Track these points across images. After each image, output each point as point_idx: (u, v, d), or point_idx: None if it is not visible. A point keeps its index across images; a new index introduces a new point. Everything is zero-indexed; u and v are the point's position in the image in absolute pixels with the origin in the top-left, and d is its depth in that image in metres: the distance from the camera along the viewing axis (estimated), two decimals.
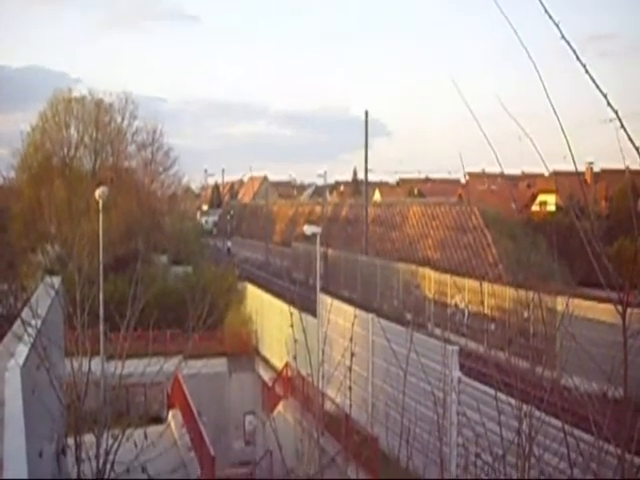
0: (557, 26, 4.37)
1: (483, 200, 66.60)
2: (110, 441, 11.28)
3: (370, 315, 23.81)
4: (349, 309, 24.54)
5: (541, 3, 4.38)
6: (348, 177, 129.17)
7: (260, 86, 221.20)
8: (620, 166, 5.86)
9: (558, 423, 5.92)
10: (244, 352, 37.36)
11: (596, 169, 72.61)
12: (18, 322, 14.61)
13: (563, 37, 4.38)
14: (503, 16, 4.69)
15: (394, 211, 61.85)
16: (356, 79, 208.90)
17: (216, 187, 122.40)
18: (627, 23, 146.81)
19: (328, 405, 18.43)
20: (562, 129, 4.71)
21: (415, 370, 9.87)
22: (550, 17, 4.39)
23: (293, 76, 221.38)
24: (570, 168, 5.05)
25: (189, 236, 60.50)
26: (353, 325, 18.90)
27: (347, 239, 52.96)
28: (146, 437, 12.79)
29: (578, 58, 4.37)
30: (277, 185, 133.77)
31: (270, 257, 70.39)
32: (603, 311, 23.66)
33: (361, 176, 66.58)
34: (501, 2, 4.74)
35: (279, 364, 31.80)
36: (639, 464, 5.31)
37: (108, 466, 11.37)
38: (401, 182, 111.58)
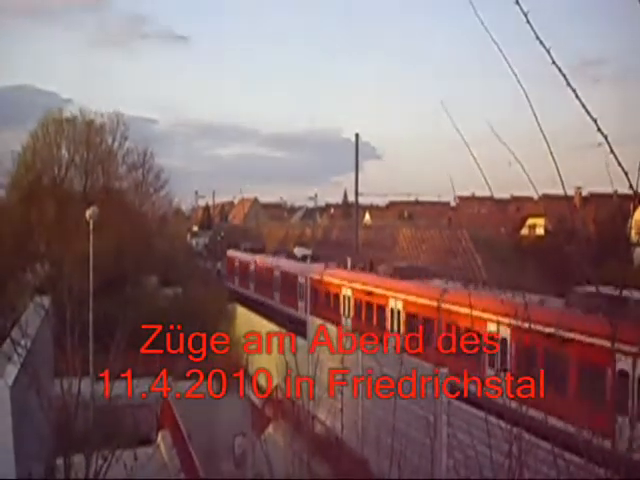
0: (548, 52, 4.44)
1: (473, 223, 66.90)
2: (100, 462, 11.23)
3: (360, 338, 23.79)
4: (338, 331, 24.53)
5: (532, 29, 4.46)
6: (339, 199, 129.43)
7: (251, 108, 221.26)
8: (608, 190, 5.94)
9: (548, 446, 5.94)
10: (234, 374, 37.20)
11: (585, 193, 73.19)
12: (7, 342, 14.57)
13: (554, 63, 4.45)
14: (494, 42, 4.77)
15: (384, 234, 62.01)
16: (347, 102, 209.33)
17: (206, 209, 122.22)
18: (616, 49, 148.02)
19: (318, 427, 18.39)
20: (551, 153, 4.77)
21: (405, 392, 9.90)
22: (541, 43, 4.45)
23: (284, 98, 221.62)
24: (559, 192, 5.11)
25: (179, 258, 60.38)
26: (343, 348, 18.90)
27: (337, 261, 52.97)
28: (136, 458, 12.74)
29: (569, 83, 4.44)
30: (268, 207, 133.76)
31: None
32: None
33: (351, 198, 66.84)
34: (492, 28, 4.80)
35: (269, 386, 31.71)
36: None
37: None
38: (391, 205, 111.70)
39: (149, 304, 38.67)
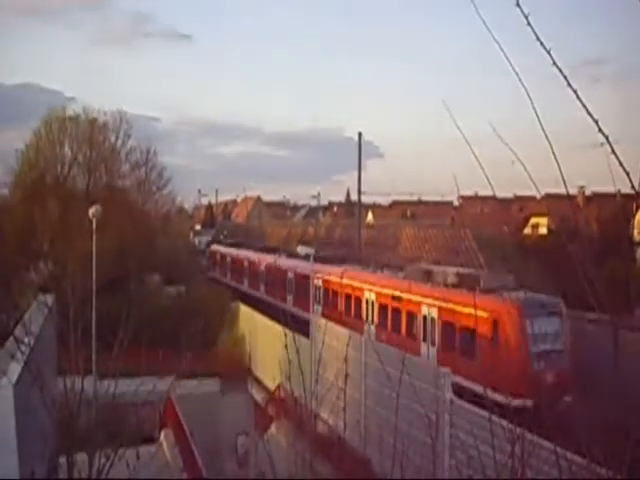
0: (549, 53, 4.45)
1: (476, 223, 66.83)
2: (102, 460, 11.24)
3: (363, 337, 23.81)
4: (342, 331, 24.54)
5: (533, 30, 4.46)
6: (341, 198, 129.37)
7: (254, 106, 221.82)
8: (611, 189, 5.94)
9: (551, 446, 5.94)
10: (237, 372, 37.22)
11: (587, 192, 73.11)
12: (11, 340, 14.59)
13: (555, 64, 4.46)
14: (495, 42, 4.77)
15: (387, 233, 61.95)
16: (350, 101, 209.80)
17: (209, 207, 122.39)
18: (616, 48, 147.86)
19: (321, 426, 18.39)
20: (554, 153, 4.78)
21: (408, 392, 9.89)
22: (542, 44, 4.46)
23: (286, 97, 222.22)
24: (562, 191, 5.12)
25: (182, 256, 60.44)
26: (347, 346, 18.87)
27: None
28: (138, 457, 12.75)
29: (569, 84, 4.44)
30: (270, 206, 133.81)
31: None
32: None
33: (354, 197, 66.76)
34: (494, 28, 4.82)
35: (272, 385, 31.71)
36: None
37: None
38: (394, 204, 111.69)
39: (152, 302, 38.71)
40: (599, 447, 5.22)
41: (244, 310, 42.13)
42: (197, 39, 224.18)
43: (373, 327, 34.86)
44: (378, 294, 34.87)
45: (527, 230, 77.18)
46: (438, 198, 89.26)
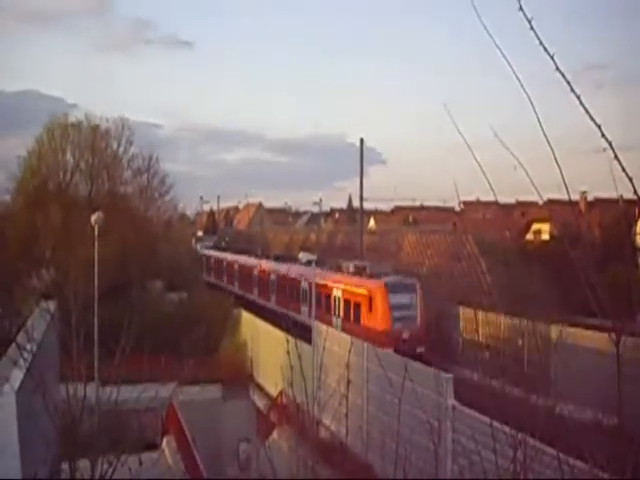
0: (552, 58, 4.45)
1: (478, 229, 66.79)
2: (105, 467, 11.23)
3: (365, 343, 23.80)
4: (344, 337, 24.56)
5: (536, 34, 4.47)
6: (343, 204, 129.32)
7: (255, 112, 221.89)
8: (614, 195, 5.94)
9: (553, 451, 5.94)
10: (239, 379, 37.21)
11: (590, 198, 73.10)
12: (13, 346, 14.60)
13: (557, 69, 4.46)
14: (497, 47, 4.78)
15: (389, 239, 61.95)
16: (351, 105, 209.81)
17: (211, 213, 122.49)
18: (619, 53, 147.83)
19: (323, 432, 18.38)
20: (556, 158, 4.78)
21: (410, 398, 9.89)
22: (545, 49, 4.47)
23: (288, 103, 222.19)
24: (564, 197, 5.12)
25: (184, 263, 60.49)
26: (349, 353, 18.88)
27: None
28: (141, 463, 12.75)
29: (572, 90, 4.44)
30: (272, 212, 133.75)
31: None
32: (596, 339, 23.73)
33: (356, 204, 66.82)
34: (496, 32, 4.83)
35: (274, 391, 31.70)
36: None
37: None
38: (396, 210, 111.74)
39: (154, 309, 38.74)
40: (601, 452, 5.22)
41: (246, 316, 42.14)
42: (198, 46, 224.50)
43: (306, 308, 42.90)
44: (311, 284, 41.30)
45: (529, 236, 77.11)
46: (440, 204, 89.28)
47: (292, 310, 43.17)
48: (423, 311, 35.03)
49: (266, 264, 54.98)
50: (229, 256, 69.08)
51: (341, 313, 38.78)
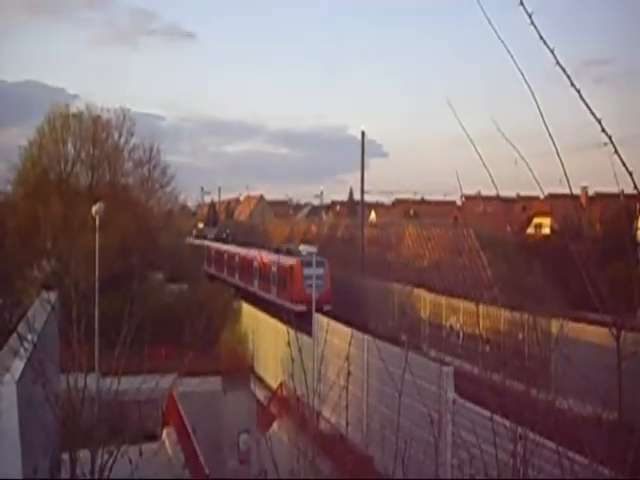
0: (552, 52, 4.44)
1: (479, 222, 66.76)
2: (105, 457, 11.24)
3: (365, 336, 23.83)
4: (345, 329, 24.58)
5: (536, 29, 4.46)
6: (344, 197, 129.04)
7: (257, 104, 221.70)
8: (614, 190, 5.92)
9: (553, 445, 5.95)
10: (239, 371, 37.28)
11: (591, 192, 73.06)
12: (14, 337, 14.61)
13: (558, 63, 4.45)
14: (499, 40, 4.77)
15: (390, 232, 61.88)
16: (353, 99, 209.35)
17: (212, 205, 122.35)
18: (621, 48, 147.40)
19: (323, 424, 18.40)
20: (557, 152, 4.77)
21: (410, 391, 9.90)
22: (545, 43, 4.45)
23: (290, 95, 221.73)
24: (565, 191, 5.11)
25: (185, 254, 60.52)
26: (350, 345, 18.90)
27: (343, 259, 54.14)
28: (141, 454, 12.73)
29: (573, 84, 4.43)
30: (273, 204, 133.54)
31: None
32: (597, 334, 23.73)
33: (357, 196, 66.85)
34: (497, 26, 4.81)
35: (274, 383, 31.77)
36: None
37: None
38: (397, 203, 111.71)
39: (155, 300, 38.73)
40: (601, 446, 5.23)
41: (247, 308, 42.20)
42: (200, 37, 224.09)
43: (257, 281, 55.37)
44: (260, 262, 54.57)
45: (530, 230, 77.12)
46: (441, 197, 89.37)
47: (246, 283, 57.03)
48: (329, 281, 46.15)
49: (234, 248, 66.35)
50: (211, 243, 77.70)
51: (277, 282, 50.80)
